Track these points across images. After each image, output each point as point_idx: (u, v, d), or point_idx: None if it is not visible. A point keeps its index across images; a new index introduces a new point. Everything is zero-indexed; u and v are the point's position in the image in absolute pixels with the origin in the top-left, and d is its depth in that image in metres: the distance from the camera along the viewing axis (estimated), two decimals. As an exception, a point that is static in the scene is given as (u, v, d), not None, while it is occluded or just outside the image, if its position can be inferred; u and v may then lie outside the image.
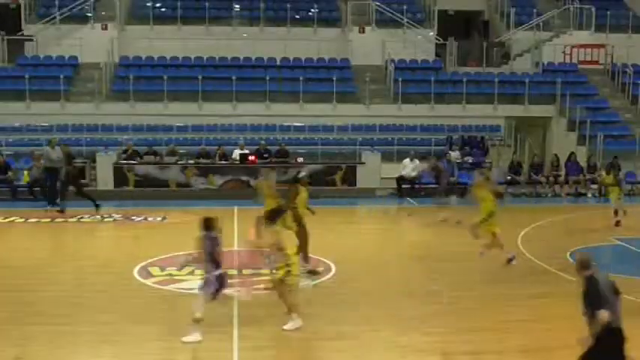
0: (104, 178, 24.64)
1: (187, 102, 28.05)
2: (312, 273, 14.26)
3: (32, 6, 31.89)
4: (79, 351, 10.67)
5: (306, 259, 14.22)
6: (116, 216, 21.46)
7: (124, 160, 24.98)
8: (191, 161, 25.40)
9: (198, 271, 14.74)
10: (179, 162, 25.11)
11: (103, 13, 31.37)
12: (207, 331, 11.30)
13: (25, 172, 24.41)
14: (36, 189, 23.91)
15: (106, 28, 30.41)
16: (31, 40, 30.51)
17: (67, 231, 19.63)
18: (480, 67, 31.72)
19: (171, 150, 25.78)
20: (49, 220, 20.73)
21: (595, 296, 7.83)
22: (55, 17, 30.50)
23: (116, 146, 26.13)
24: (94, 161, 24.96)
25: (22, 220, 20.78)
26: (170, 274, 14.62)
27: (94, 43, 29.48)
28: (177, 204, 22.65)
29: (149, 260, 15.54)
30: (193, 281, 14.16)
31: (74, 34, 30.23)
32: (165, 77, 27.96)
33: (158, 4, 32.67)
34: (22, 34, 30.75)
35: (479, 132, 30.10)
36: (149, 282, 14.19)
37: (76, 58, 29.72)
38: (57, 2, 31.18)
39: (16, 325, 11.61)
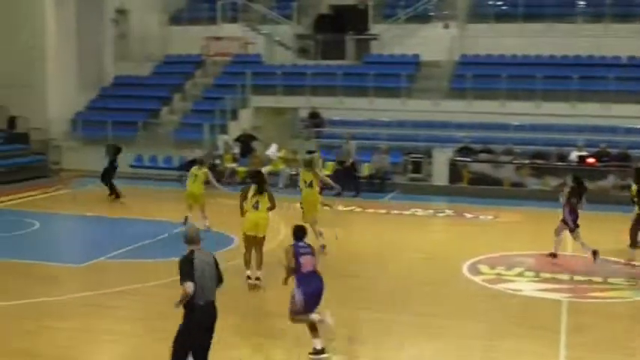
0: (440, 173, 25.11)
1: (525, 101, 27.58)
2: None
3: (379, 6, 33.39)
4: (403, 339, 10.99)
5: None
6: (448, 211, 21.78)
7: (459, 157, 25.25)
8: (526, 161, 25.01)
9: (528, 273, 14.56)
10: (514, 161, 24.84)
11: (446, 12, 31.88)
12: (533, 334, 11.12)
13: (366, 165, 25.61)
14: (376, 181, 25.03)
15: (447, 27, 30.89)
16: (377, 39, 31.96)
17: (401, 223, 20.29)
18: None
19: (507, 149, 25.56)
20: (384, 211, 21.59)
21: (186, 269, 8.20)
22: (399, 17, 31.65)
23: (452, 143, 26.46)
24: (431, 157, 25.52)
25: (360, 209, 21.87)
26: (499, 274, 14.56)
27: (435, 42, 30.08)
28: (509, 203, 22.44)
29: (479, 257, 15.58)
30: (522, 282, 14.00)
31: (417, 32, 31.10)
32: (504, 75, 27.77)
33: (500, 3, 32.53)
34: (369, 34, 32.32)
35: None
36: (477, 279, 14.23)
37: (417, 56, 30.58)
38: (402, 2, 32.34)
39: (349, 308, 12.27)
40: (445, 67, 29.63)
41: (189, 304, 8.25)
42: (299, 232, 10.40)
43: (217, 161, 26.16)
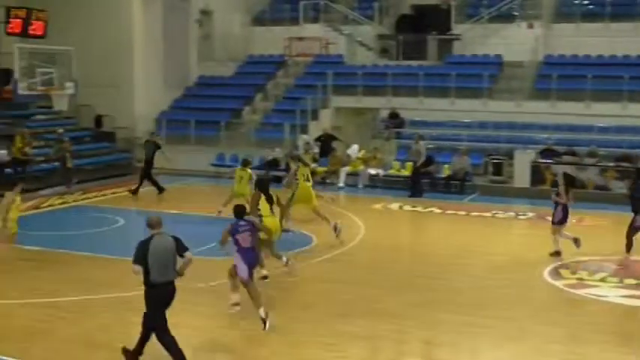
0: (521, 175, 24.70)
1: (611, 102, 26.92)
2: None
3: (462, 6, 33.06)
4: (481, 342, 10.90)
5: None
6: (530, 214, 21.42)
7: (542, 159, 24.80)
8: (611, 163, 24.41)
9: (611, 278, 14.22)
10: (598, 164, 24.26)
11: (530, 12, 31.33)
12: (615, 341, 10.89)
13: (445, 166, 25.40)
14: (456, 182, 24.81)
15: (531, 27, 30.37)
16: (459, 39, 31.64)
17: (481, 225, 20.07)
18: None
19: (592, 151, 24.99)
20: (464, 213, 21.36)
21: (139, 252, 9.42)
22: (482, 17, 31.27)
23: (534, 144, 25.99)
24: (512, 158, 25.14)
25: (440, 211, 21.70)
26: (581, 278, 14.29)
27: (519, 42, 29.61)
28: (593, 207, 21.89)
29: (560, 262, 15.30)
30: (605, 288, 13.68)
31: (500, 32, 30.66)
32: (589, 76, 27.16)
33: (586, 2, 31.82)
34: (451, 34, 32.03)
35: None
36: (558, 284, 13.99)
37: (500, 56, 30.16)
38: (485, 2, 31.96)
39: (426, 310, 12.23)
40: (528, 68, 29.17)
41: (148, 281, 9.39)
42: (238, 211, 11.61)
43: (297, 161, 26.33)
